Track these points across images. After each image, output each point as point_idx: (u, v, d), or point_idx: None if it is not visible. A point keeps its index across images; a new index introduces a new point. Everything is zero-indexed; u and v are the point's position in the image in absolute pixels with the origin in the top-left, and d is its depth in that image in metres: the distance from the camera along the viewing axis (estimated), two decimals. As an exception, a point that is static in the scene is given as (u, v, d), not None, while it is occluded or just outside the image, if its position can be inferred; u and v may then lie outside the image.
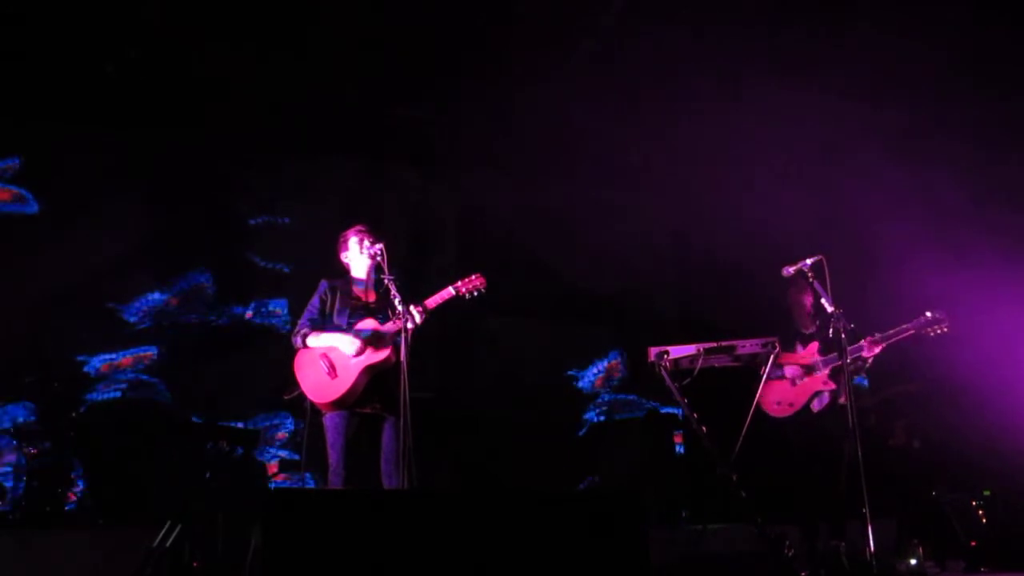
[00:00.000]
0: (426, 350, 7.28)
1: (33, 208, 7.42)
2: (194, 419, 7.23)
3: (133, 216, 7.46)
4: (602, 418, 8.09)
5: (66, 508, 6.19)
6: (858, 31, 6.56)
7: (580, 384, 8.13)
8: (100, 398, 7.37)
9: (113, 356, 7.43)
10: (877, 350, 5.44)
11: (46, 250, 7.22)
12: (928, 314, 5.40)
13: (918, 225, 7.11)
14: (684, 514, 6.71)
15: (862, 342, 5.46)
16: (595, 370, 8.09)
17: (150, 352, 7.44)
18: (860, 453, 4.80)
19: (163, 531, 5.65)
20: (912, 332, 5.41)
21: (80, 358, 7.31)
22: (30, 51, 6.71)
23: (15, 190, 7.42)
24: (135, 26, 6.51)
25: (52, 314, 7.13)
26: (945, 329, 5.37)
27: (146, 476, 6.49)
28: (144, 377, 7.45)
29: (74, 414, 6.80)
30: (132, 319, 7.50)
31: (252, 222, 7.87)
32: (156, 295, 7.58)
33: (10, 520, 6.00)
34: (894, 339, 5.44)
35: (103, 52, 6.75)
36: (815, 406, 5.66)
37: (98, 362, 7.39)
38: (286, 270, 7.76)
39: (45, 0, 6.31)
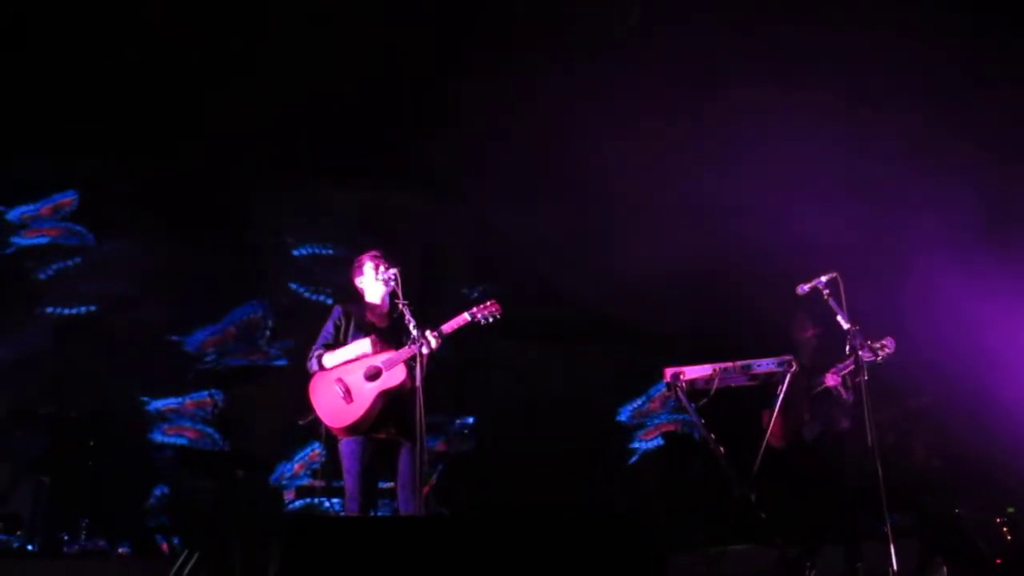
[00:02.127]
0: (444, 375, 7.37)
1: (90, 240, 7.47)
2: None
3: (172, 249, 7.50)
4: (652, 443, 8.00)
5: (82, 538, 6.19)
6: (871, 40, 6.58)
7: (621, 418, 8.11)
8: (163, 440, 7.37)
9: (175, 401, 7.39)
10: (836, 381, 5.39)
11: (95, 280, 7.30)
12: (878, 342, 5.32)
13: (936, 239, 7.08)
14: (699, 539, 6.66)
15: (825, 375, 5.44)
16: (638, 402, 8.02)
17: (213, 397, 7.36)
18: (880, 472, 4.77)
19: (180, 560, 5.66)
20: (865, 360, 5.24)
21: (143, 399, 7.31)
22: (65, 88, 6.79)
23: (68, 226, 7.48)
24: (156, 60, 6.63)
25: (110, 348, 7.12)
26: (889, 352, 5.30)
27: (164, 505, 6.52)
28: (202, 427, 7.41)
29: (92, 443, 6.82)
30: (192, 350, 7.51)
31: (296, 253, 7.89)
32: (212, 327, 7.60)
33: (27, 550, 6.01)
34: (847, 370, 5.37)
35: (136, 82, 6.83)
36: (807, 435, 5.61)
37: (160, 405, 7.37)
38: (328, 301, 7.78)
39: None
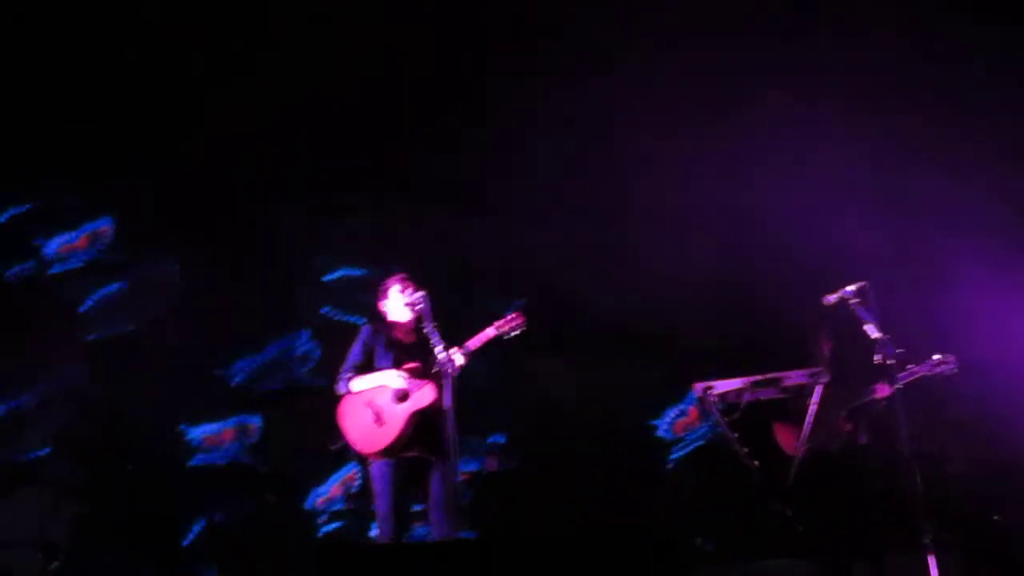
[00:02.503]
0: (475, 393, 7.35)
1: (125, 266, 7.41)
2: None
3: (206, 272, 7.48)
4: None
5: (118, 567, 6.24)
6: (894, 42, 6.55)
7: (660, 432, 8.05)
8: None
9: (215, 427, 7.30)
10: (888, 392, 5.31)
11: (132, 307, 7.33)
12: (936, 356, 5.28)
13: (971, 244, 6.99)
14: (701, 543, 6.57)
15: (876, 384, 5.36)
16: (674, 412, 7.93)
17: (253, 423, 7.36)
18: (919, 481, 4.70)
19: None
20: (921, 374, 5.29)
21: (182, 427, 7.22)
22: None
23: (105, 255, 7.45)
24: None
25: (148, 376, 7.10)
26: (954, 370, 5.25)
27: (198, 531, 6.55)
28: (243, 459, 7.32)
29: (130, 467, 6.87)
30: (240, 381, 7.44)
31: (327, 278, 7.92)
32: (254, 357, 7.54)
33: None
34: (904, 381, 5.29)
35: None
36: (832, 446, 5.55)
37: (199, 433, 7.28)
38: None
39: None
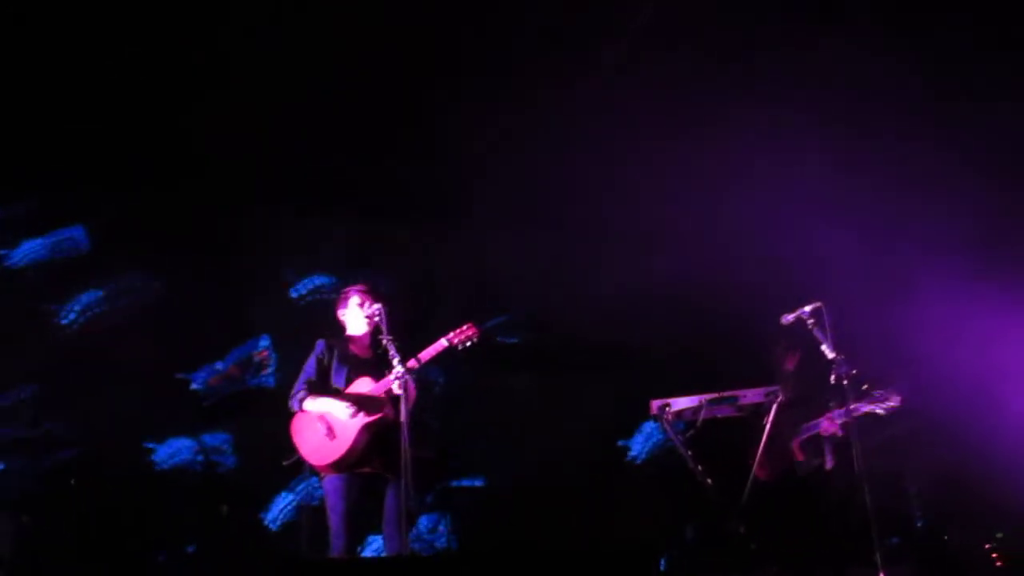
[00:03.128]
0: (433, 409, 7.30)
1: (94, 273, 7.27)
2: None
3: (171, 282, 7.36)
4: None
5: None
6: (860, 57, 6.62)
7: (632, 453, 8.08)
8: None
9: (183, 444, 7.16)
10: (835, 427, 5.36)
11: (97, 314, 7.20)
12: (878, 392, 5.29)
13: (927, 258, 7.09)
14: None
15: (820, 419, 5.41)
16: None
17: (224, 441, 7.23)
18: (868, 501, 4.75)
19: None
20: (864, 411, 5.26)
21: (149, 444, 7.07)
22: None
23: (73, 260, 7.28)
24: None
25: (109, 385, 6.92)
26: (895, 406, 5.28)
27: (150, 541, 6.42)
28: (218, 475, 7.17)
29: (73, 481, 6.74)
30: (199, 387, 7.33)
31: (293, 293, 7.81)
32: (218, 364, 7.42)
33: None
34: (846, 420, 5.34)
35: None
36: (800, 471, 5.60)
37: (165, 452, 7.13)
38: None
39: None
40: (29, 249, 7.20)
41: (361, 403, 4.82)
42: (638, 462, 7.94)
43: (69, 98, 6.67)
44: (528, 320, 8.01)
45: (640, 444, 8.02)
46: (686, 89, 6.89)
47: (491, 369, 7.44)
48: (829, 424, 5.34)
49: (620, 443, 7.95)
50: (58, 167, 6.95)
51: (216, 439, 7.25)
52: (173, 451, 7.17)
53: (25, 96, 6.59)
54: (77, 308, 7.23)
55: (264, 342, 7.54)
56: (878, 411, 5.23)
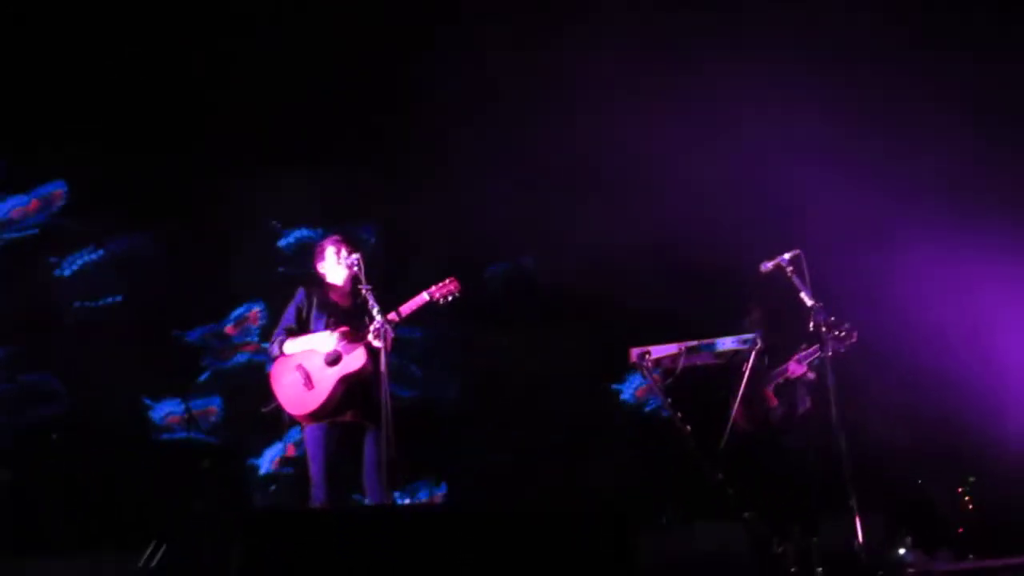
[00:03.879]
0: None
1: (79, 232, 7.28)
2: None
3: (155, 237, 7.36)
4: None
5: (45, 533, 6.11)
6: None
7: (624, 397, 8.15)
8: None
9: (177, 408, 7.21)
10: (800, 371, 5.40)
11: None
12: (834, 332, 5.30)
13: (905, 206, 7.11)
14: (665, 519, 6.70)
15: (787, 364, 5.45)
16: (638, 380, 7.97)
17: (213, 407, 7.29)
18: (844, 447, 4.81)
19: (148, 552, 5.60)
20: (822, 354, 5.18)
21: (146, 400, 7.13)
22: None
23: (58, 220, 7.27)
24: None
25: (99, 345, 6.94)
26: (853, 339, 5.29)
27: (127, 497, 6.43)
28: (201, 437, 7.21)
29: (54, 436, 6.73)
30: (192, 338, 7.39)
31: (282, 243, 7.80)
32: (212, 325, 7.49)
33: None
34: (808, 360, 5.37)
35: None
36: (772, 418, 5.66)
37: (162, 410, 7.21)
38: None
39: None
40: (15, 203, 7.19)
41: (342, 334, 4.82)
42: (628, 405, 8.05)
43: (47, 56, 6.59)
44: (510, 271, 8.02)
45: (630, 389, 8.12)
46: (669, 37, 6.83)
47: (471, 320, 7.45)
48: (796, 366, 5.41)
49: (613, 387, 8.02)
50: (36, 126, 6.90)
51: (207, 402, 7.29)
52: (165, 412, 7.22)
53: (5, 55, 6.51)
54: (77, 263, 7.23)
55: (257, 305, 7.52)
56: (839, 348, 5.26)
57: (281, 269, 7.69)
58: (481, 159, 7.54)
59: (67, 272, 7.22)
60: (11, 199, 7.17)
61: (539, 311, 7.93)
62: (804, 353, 5.41)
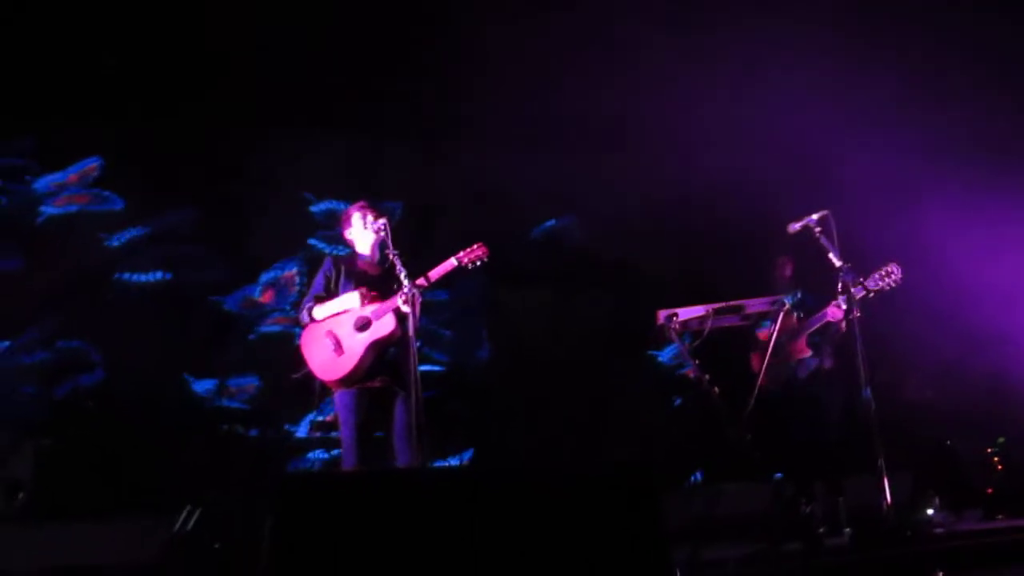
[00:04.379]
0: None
1: (118, 205, 7.34)
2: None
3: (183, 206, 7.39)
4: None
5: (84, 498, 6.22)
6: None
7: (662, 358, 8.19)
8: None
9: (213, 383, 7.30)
10: (839, 315, 5.33)
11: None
12: (880, 271, 5.23)
13: (933, 168, 7.02)
14: (695, 479, 6.73)
15: (826, 308, 5.38)
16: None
17: (252, 383, 7.35)
18: (874, 406, 4.80)
19: (182, 516, 5.70)
20: (867, 291, 5.20)
21: (187, 376, 7.21)
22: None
23: (95, 192, 7.35)
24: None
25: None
26: (898, 279, 5.22)
27: (163, 462, 6.53)
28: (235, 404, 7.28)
29: (90, 404, 6.83)
30: (233, 307, 7.46)
31: (314, 209, 7.82)
32: (249, 287, 7.54)
33: (29, 512, 6.04)
34: (857, 299, 5.30)
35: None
36: (801, 373, 5.63)
37: (202, 387, 7.29)
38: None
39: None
40: (52, 179, 7.28)
41: (369, 296, 4.86)
42: (664, 367, 8.11)
43: (66, 29, 6.60)
44: (535, 238, 8.02)
45: (667, 355, 8.21)
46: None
47: (499, 284, 7.47)
48: (836, 310, 5.28)
49: (650, 353, 8.06)
50: (62, 101, 6.92)
51: (244, 380, 7.39)
52: (205, 389, 7.32)
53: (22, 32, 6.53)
54: (124, 238, 7.33)
55: (292, 266, 7.58)
56: (883, 286, 5.20)
57: (312, 241, 7.73)
58: (505, 124, 7.50)
59: (115, 244, 7.32)
60: (48, 176, 7.26)
61: (568, 273, 7.92)
62: (842, 297, 5.29)
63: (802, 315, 5.58)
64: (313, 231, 7.78)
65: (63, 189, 7.30)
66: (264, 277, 7.60)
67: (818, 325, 5.47)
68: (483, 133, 7.67)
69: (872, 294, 5.17)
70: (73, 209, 7.31)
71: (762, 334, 5.64)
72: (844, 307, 5.17)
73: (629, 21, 6.82)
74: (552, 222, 8.28)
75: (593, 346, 7.74)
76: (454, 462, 7.43)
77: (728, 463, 6.09)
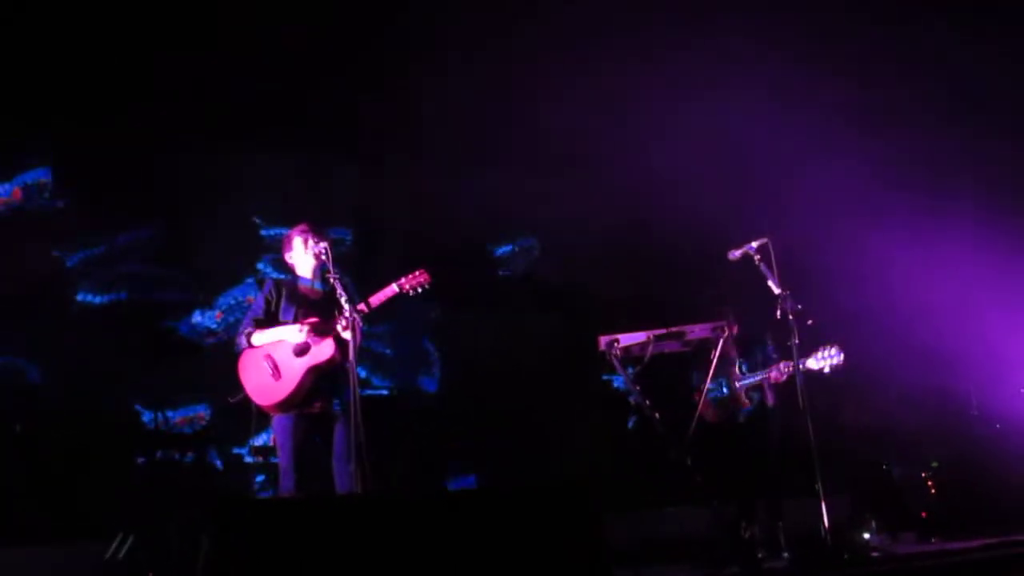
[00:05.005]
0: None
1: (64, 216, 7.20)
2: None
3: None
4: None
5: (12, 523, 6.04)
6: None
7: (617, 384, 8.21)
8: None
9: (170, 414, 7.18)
10: (783, 378, 5.44)
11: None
12: (822, 351, 5.32)
13: (866, 194, 7.18)
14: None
15: (769, 372, 5.49)
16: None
17: (202, 413, 7.26)
18: (811, 432, 4.88)
19: (115, 543, 5.56)
20: (809, 367, 5.30)
21: (137, 407, 7.04)
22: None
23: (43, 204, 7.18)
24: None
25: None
26: (839, 365, 5.30)
27: (95, 487, 6.37)
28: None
29: (18, 427, 6.65)
30: (184, 331, 7.37)
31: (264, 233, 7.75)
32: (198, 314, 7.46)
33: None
34: (787, 375, 5.39)
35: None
36: (741, 418, 5.72)
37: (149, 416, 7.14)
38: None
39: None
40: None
41: (311, 327, 4.80)
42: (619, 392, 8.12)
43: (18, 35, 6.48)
44: (515, 253, 8.05)
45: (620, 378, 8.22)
46: (637, 24, 6.83)
47: (444, 306, 7.46)
48: (777, 375, 5.42)
49: (604, 377, 8.07)
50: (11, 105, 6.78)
51: (193, 410, 7.26)
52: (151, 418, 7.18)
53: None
54: (80, 257, 7.19)
55: (250, 291, 7.50)
56: (824, 369, 5.30)
57: (260, 265, 7.66)
58: (452, 147, 7.52)
59: (70, 264, 7.19)
60: None
61: (517, 295, 7.93)
62: (784, 364, 5.39)
63: (744, 371, 5.65)
64: (260, 255, 7.70)
65: (7, 206, 7.12)
66: (221, 301, 7.51)
67: (758, 380, 5.56)
68: (432, 152, 7.68)
69: (811, 371, 5.26)
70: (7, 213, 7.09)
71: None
72: (785, 374, 5.29)
73: (586, 41, 6.90)
74: (510, 247, 8.29)
75: (541, 369, 7.75)
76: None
77: (670, 486, 6.12)
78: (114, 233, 7.30)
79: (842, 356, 5.31)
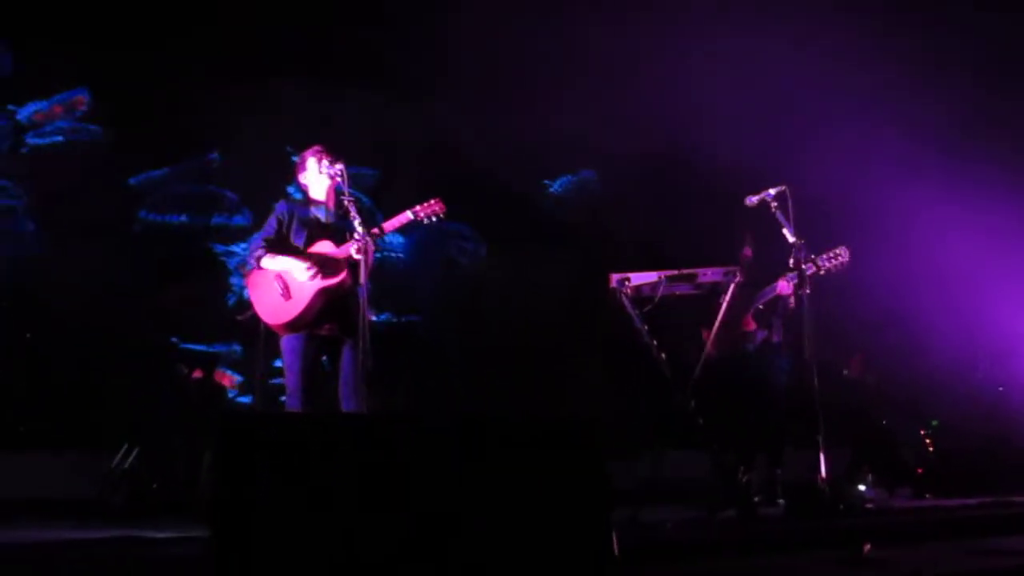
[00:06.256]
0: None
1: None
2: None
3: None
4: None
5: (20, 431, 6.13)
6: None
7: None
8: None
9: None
10: (788, 289, 5.40)
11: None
12: (830, 252, 5.31)
13: (880, 153, 7.09)
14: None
15: (777, 282, 5.44)
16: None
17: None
18: (816, 383, 4.88)
19: (120, 453, 5.64)
20: (816, 270, 5.27)
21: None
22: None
23: (82, 126, 7.28)
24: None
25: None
26: (845, 262, 5.28)
27: (103, 398, 6.44)
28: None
29: (28, 335, 6.70)
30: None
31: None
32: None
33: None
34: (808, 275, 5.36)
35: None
36: (749, 346, 5.71)
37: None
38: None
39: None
40: (36, 108, 7.18)
41: (320, 263, 4.76)
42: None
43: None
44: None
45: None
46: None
47: (454, 239, 7.43)
48: (785, 284, 5.39)
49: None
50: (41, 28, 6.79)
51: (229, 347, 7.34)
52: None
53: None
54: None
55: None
56: (831, 267, 5.29)
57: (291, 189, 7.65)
58: (465, 75, 7.40)
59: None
60: (32, 104, 7.12)
61: (527, 232, 7.89)
62: (791, 275, 5.36)
63: (747, 293, 5.63)
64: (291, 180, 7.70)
65: (47, 121, 7.13)
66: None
67: (768, 298, 5.53)
68: (455, 84, 7.57)
69: (822, 272, 5.23)
70: (57, 140, 7.16)
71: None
72: (794, 282, 5.24)
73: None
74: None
75: (549, 307, 7.74)
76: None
77: (672, 429, 6.16)
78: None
79: (847, 255, 5.30)
